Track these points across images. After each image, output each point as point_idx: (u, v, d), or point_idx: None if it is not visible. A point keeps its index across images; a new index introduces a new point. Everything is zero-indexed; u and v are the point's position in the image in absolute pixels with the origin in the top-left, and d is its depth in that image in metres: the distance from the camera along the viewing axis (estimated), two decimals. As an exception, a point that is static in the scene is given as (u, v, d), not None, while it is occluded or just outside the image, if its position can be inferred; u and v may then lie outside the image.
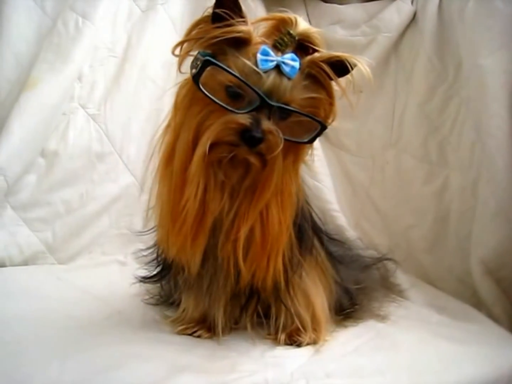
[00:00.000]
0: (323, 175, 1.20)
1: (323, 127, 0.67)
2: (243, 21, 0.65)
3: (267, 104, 0.63)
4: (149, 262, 0.92)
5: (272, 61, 0.64)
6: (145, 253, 0.95)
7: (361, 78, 0.67)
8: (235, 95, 0.65)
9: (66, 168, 1.15)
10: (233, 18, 0.64)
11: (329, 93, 0.68)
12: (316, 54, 0.67)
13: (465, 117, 1.07)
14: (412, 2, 1.19)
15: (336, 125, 1.28)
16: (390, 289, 1.01)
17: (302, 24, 0.66)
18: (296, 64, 0.65)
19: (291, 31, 0.65)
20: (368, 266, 0.99)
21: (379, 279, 1.01)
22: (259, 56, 0.64)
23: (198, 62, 0.64)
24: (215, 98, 0.64)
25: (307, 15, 1.31)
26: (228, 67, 0.64)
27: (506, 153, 0.94)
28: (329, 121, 0.69)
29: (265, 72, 0.63)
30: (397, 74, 1.21)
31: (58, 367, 0.66)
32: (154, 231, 0.85)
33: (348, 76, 0.67)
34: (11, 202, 1.11)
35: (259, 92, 0.63)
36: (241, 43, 0.65)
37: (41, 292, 0.96)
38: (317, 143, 1.16)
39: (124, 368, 0.66)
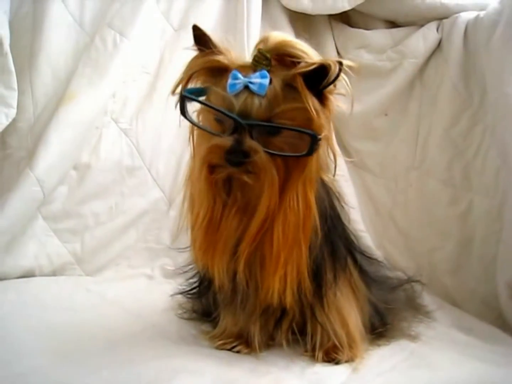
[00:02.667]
0: (349, 195, 1.22)
1: (315, 139, 0.66)
2: (218, 51, 0.70)
3: (240, 124, 0.66)
4: (190, 278, 0.94)
5: (238, 83, 0.66)
6: (186, 269, 0.96)
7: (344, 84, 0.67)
8: (219, 120, 0.70)
9: (96, 181, 1.17)
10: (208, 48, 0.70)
11: (306, 102, 0.65)
12: (295, 66, 0.66)
13: (490, 143, 1.09)
14: (437, 30, 1.22)
15: (360, 147, 1.31)
16: (417, 310, 1.02)
17: (274, 40, 0.67)
18: (265, 81, 0.65)
19: (261, 49, 0.67)
20: (396, 287, 1.00)
21: (406, 300, 1.02)
22: (229, 81, 0.67)
23: (178, 98, 0.71)
24: (203, 127, 0.72)
25: (334, 38, 1.35)
26: (209, 98, 0.71)
27: (533, 179, 0.96)
28: (322, 133, 0.66)
29: (236, 94, 0.66)
30: (421, 99, 1.24)
31: (106, 380, 0.67)
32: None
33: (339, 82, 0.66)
34: (43, 212, 1.13)
35: (230, 114, 0.66)
36: (223, 71, 0.69)
37: (73, 304, 0.98)
38: (343, 163, 1.21)
39: (173, 382, 0.67)
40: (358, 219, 1.23)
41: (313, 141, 0.66)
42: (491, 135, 1.09)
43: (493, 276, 1.02)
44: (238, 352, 0.79)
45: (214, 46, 0.70)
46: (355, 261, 0.86)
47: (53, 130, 1.08)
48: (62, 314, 0.92)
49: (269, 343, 0.82)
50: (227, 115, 0.66)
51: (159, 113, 1.23)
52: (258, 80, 0.66)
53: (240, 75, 0.66)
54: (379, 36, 1.29)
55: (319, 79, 0.65)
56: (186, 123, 1.22)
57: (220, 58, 0.70)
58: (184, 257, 1.02)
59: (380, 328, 0.89)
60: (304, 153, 0.67)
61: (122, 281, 1.13)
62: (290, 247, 0.70)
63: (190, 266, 0.94)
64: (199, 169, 0.70)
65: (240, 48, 1.25)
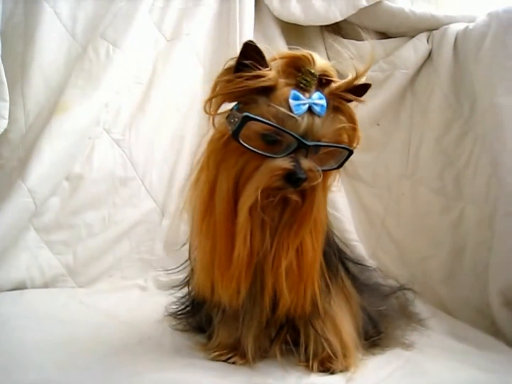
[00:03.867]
0: (342, 205, 1.23)
1: (350, 152, 0.70)
2: (269, 69, 0.67)
3: (304, 145, 0.66)
4: (181, 298, 0.94)
5: (304, 104, 0.66)
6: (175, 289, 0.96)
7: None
8: (272, 141, 0.67)
9: (89, 191, 1.16)
10: (258, 67, 0.66)
11: (352, 119, 0.70)
12: (333, 85, 0.69)
13: (481, 152, 1.11)
14: (428, 41, 1.24)
15: (353, 157, 1.32)
16: (410, 318, 1.02)
17: (319, 61, 0.68)
18: (324, 102, 0.67)
19: (312, 70, 0.67)
20: (388, 295, 1.01)
21: (398, 308, 1.03)
22: (291, 101, 0.66)
23: (236, 119, 0.66)
24: (254, 148, 0.66)
25: (326, 49, 1.36)
26: (262, 115, 0.66)
27: (524, 188, 0.97)
28: (354, 145, 0.71)
29: (300, 116, 0.66)
30: (413, 109, 1.26)
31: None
32: (183, 268, 0.90)
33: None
34: (35, 224, 1.12)
35: (296, 136, 0.66)
36: (268, 89, 0.67)
37: (65, 316, 0.97)
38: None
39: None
40: (351, 229, 1.23)
41: (349, 155, 0.70)
42: (481, 144, 1.11)
43: (486, 284, 1.03)
44: (233, 363, 0.79)
45: (264, 60, 0.67)
46: (346, 269, 0.86)
47: (46, 141, 1.08)
48: (55, 326, 0.90)
49: (263, 354, 0.81)
50: (295, 137, 0.65)
51: (152, 123, 1.23)
52: (319, 102, 0.67)
53: (302, 96, 0.66)
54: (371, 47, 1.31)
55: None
56: (181, 134, 1.24)
57: (271, 77, 0.66)
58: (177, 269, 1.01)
59: (374, 337, 0.89)
60: (335, 166, 0.71)
61: (115, 293, 1.12)
62: (316, 259, 0.72)
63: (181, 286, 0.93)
64: (251, 194, 0.67)
65: (232, 57, 1.26)
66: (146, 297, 1.12)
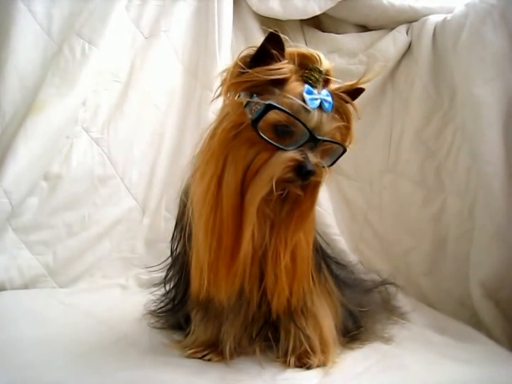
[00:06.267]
0: (323, 199, 1.22)
1: (344, 150, 0.73)
2: (287, 62, 0.67)
3: (315, 139, 0.67)
4: (161, 296, 0.93)
5: (316, 99, 0.67)
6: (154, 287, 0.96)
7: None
8: (284, 132, 0.67)
9: (68, 191, 1.16)
10: (278, 58, 0.66)
11: (348, 119, 0.73)
12: (335, 85, 0.71)
13: (461, 143, 1.11)
14: (407, 33, 1.23)
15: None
16: (392, 311, 1.02)
17: (325, 60, 0.70)
18: (331, 100, 0.69)
19: (320, 68, 0.69)
20: (370, 290, 1.01)
21: (381, 302, 1.02)
22: (306, 95, 0.67)
23: (258, 106, 0.66)
24: (268, 138, 0.66)
25: (305, 43, 1.35)
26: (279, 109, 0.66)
27: (503, 178, 0.96)
28: (347, 143, 0.74)
29: (313, 109, 0.67)
30: (393, 102, 1.25)
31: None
32: (164, 266, 0.90)
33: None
34: (13, 224, 1.11)
35: (309, 128, 0.66)
36: (282, 81, 0.67)
37: (45, 316, 0.96)
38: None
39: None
40: (332, 223, 1.23)
41: (343, 153, 0.72)
42: (461, 135, 1.11)
43: (467, 275, 1.03)
44: (209, 360, 0.78)
45: (283, 51, 0.67)
46: (328, 267, 0.86)
47: (21, 141, 1.07)
48: (32, 327, 0.90)
49: (242, 351, 0.81)
50: (308, 129, 0.66)
51: (131, 121, 1.22)
52: (328, 99, 0.68)
53: (314, 91, 0.67)
54: (350, 40, 1.31)
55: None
56: (160, 131, 1.23)
57: (288, 70, 0.67)
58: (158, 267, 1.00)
59: (354, 331, 0.89)
60: (330, 163, 0.72)
61: (96, 292, 1.12)
62: (309, 255, 0.74)
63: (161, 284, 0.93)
64: (264, 186, 0.66)
65: (211, 54, 1.25)
66: (127, 296, 1.11)
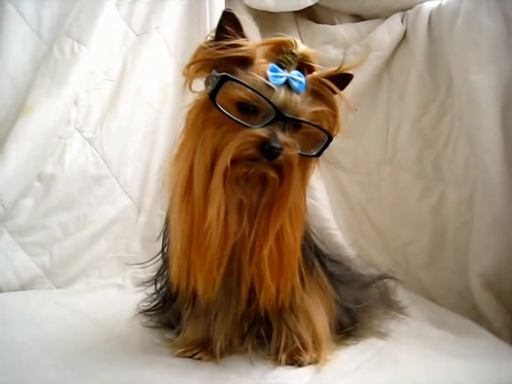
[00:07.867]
0: (320, 192, 1.21)
1: (330, 138, 0.69)
2: (246, 40, 0.67)
3: (282, 117, 0.65)
4: (152, 294, 0.92)
5: (281, 76, 0.66)
6: (146, 285, 0.95)
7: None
8: (248, 110, 0.66)
9: (63, 191, 1.15)
10: (236, 36, 0.66)
11: (333, 106, 0.71)
12: (317, 72, 0.70)
13: (459, 132, 1.08)
14: (402, 21, 1.21)
15: (331, 143, 1.30)
16: (390, 306, 1.00)
17: (302, 45, 0.69)
18: (303, 80, 0.67)
19: (294, 51, 0.67)
20: (368, 285, 0.99)
21: (379, 297, 1.00)
22: (268, 72, 0.66)
23: (214, 79, 0.66)
24: (230, 115, 0.65)
25: (300, 35, 1.33)
26: (244, 87, 0.65)
27: (501, 167, 0.94)
28: (334, 132, 0.71)
29: (277, 87, 0.66)
30: (390, 92, 1.23)
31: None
32: (156, 261, 0.88)
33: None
34: (8, 226, 1.11)
35: (273, 103, 0.65)
36: (246, 62, 0.67)
37: (38, 318, 0.96)
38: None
39: (125, 393, 0.65)
40: (329, 217, 1.21)
41: (328, 141, 0.69)
42: (459, 124, 1.08)
43: (467, 267, 1.01)
44: (199, 359, 0.77)
45: (241, 31, 0.67)
46: (322, 264, 0.84)
47: (12, 143, 1.07)
48: (26, 328, 0.89)
49: (233, 349, 0.79)
50: (273, 106, 0.65)
51: (124, 120, 1.22)
52: (298, 78, 0.66)
53: (279, 69, 0.66)
54: (345, 30, 1.29)
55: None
56: (154, 129, 1.22)
57: (249, 47, 0.67)
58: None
59: (349, 327, 0.87)
60: (315, 153, 0.70)
61: (93, 292, 1.11)
62: (296, 249, 0.71)
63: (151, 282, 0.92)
64: (220, 164, 0.65)
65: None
66: (123, 296, 1.10)
